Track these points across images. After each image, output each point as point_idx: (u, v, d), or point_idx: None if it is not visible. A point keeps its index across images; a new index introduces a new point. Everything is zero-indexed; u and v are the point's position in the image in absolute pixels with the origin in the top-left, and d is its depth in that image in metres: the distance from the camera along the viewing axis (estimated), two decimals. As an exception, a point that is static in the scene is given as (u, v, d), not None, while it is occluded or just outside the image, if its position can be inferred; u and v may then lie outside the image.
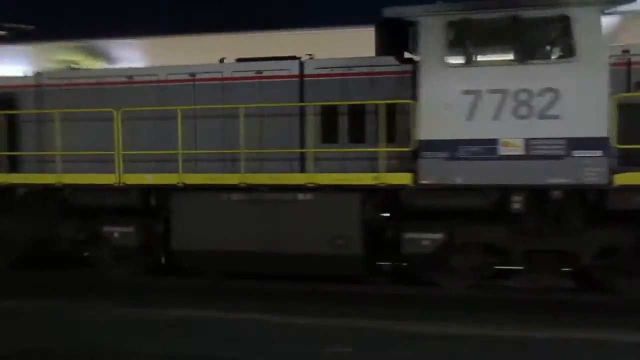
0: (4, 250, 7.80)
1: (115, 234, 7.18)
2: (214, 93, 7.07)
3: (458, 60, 6.26)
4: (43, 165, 7.51)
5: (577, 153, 5.81)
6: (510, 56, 6.35)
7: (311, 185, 6.41)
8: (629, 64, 6.29)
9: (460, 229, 6.50)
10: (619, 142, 5.87)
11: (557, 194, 6.01)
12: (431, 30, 6.19)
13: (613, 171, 5.77)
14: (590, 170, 5.79)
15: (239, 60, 7.37)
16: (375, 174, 6.24)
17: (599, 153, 5.75)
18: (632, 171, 5.74)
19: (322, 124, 6.80)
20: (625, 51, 6.36)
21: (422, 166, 6.13)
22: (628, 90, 6.18)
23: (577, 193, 6.11)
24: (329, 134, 6.81)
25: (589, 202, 6.11)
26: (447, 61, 6.14)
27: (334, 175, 6.39)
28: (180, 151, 6.77)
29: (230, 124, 6.87)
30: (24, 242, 7.74)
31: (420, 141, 6.13)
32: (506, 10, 6.08)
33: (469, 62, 6.17)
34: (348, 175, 6.42)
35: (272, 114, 6.81)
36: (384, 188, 6.28)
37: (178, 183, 6.78)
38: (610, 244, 6.24)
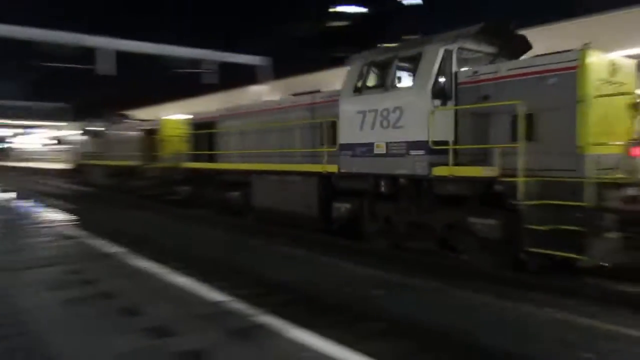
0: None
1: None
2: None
3: (356, 90, 9.37)
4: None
5: (412, 152, 8.22)
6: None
7: (293, 171, 10.70)
8: (478, 81, 7.89)
9: (364, 203, 9.56)
10: (461, 144, 7.87)
11: (402, 181, 8.50)
12: (350, 69, 9.56)
13: (433, 165, 7.84)
14: (419, 164, 8.10)
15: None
16: (322, 165, 10.02)
17: (422, 152, 8.01)
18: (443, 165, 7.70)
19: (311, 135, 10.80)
20: (475, 72, 7.98)
21: (340, 160, 9.56)
22: (477, 102, 7.85)
23: (417, 181, 8.38)
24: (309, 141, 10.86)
25: (425, 189, 8.21)
26: (351, 91, 9.37)
27: (305, 165, 10.51)
28: (248, 151, 12.12)
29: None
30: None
31: (340, 144, 9.54)
32: (388, 53, 8.87)
33: (359, 92, 9.18)
34: (311, 165, 10.38)
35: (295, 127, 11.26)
36: (326, 174, 9.94)
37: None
38: (451, 221, 8.06)
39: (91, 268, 5.67)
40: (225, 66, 29.52)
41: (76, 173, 25.51)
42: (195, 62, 28.24)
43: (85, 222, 10.72)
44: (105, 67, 24.74)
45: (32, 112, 58.85)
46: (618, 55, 7.86)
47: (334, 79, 14.77)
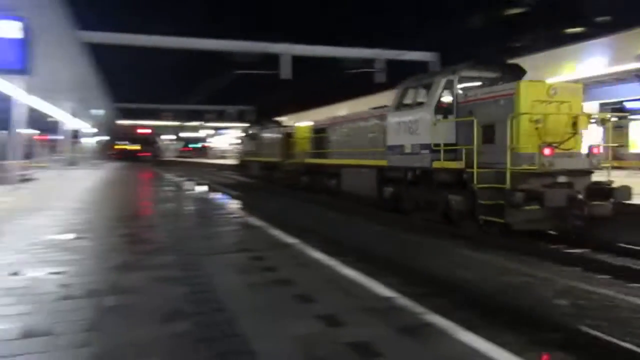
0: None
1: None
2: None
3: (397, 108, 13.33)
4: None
5: (422, 151, 11.83)
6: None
7: (363, 165, 14.82)
8: (467, 101, 11.16)
9: (401, 188, 13.34)
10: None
11: (418, 171, 12.12)
12: (396, 92, 13.53)
13: (433, 161, 11.32)
14: (426, 160, 11.69)
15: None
16: (378, 160, 13.94)
17: (427, 151, 11.61)
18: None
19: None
20: (466, 94, 11.46)
21: (388, 157, 13.41)
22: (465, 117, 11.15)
23: (425, 171, 11.91)
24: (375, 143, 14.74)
25: (430, 177, 11.76)
26: (394, 108, 13.35)
27: (369, 160, 14.55)
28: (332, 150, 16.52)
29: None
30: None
31: (387, 146, 13.40)
32: (416, 82, 12.55)
33: (398, 109, 13.05)
34: (373, 161, 14.34)
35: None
36: (380, 167, 13.85)
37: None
38: (444, 199, 11.44)
39: (271, 256, 6.05)
40: (395, 64, 29.21)
41: (240, 167, 31.68)
42: (366, 62, 28.64)
43: (256, 210, 12.13)
44: (286, 71, 27.22)
45: (224, 115, 70.26)
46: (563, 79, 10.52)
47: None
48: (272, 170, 24.85)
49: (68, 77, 15.72)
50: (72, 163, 38.65)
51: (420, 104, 12.30)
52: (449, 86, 11.68)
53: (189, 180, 24.66)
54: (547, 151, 9.37)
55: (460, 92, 11.70)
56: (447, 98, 11.83)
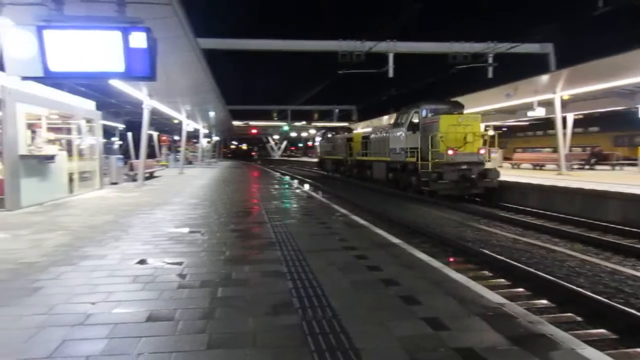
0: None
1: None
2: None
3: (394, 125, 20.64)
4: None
5: (402, 152, 19.61)
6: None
7: (380, 160, 22.03)
8: (425, 123, 18.41)
9: (396, 174, 20.39)
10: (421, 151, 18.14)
11: (401, 164, 19.58)
12: (395, 115, 21.61)
13: (406, 157, 18.65)
14: (404, 156, 19.18)
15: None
16: (386, 157, 20.95)
17: (404, 152, 19.54)
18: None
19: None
20: (424, 118, 18.64)
21: (390, 155, 20.75)
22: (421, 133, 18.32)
23: (405, 164, 18.95)
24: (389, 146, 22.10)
25: (407, 167, 18.71)
26: (393, 125, 20.84)
27: (382, 157, 21.87)
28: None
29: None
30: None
31: (390, 148, 20.66)
32: (403, 111, 20.38)
33: (396, 126, 20.41)
34: (384, 157, 21.11)
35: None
36: (387, 161, 21.11)
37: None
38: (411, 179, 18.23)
39: (375, 255, 5.92)
40: (506, 57, 26.24)
41: (319, 164, 39.37)
42: (475, 57, 26.35)
43: (349, 205, 14.56)
44: (390, 69, 25.68)
45: (327, 115, 71.38)
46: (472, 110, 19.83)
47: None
48: (339, 165, 32.07)
49: (185, 81, 16.91)
50: (189, 162, 41.52)
51: (402, 124, 19.67)
52: (416, 114, 18.75)
53: (291, 176, 29.38)
54: (450, 152, 16.63)
55: (423, 116, 18.55)
56: (415, 120, 18.68)
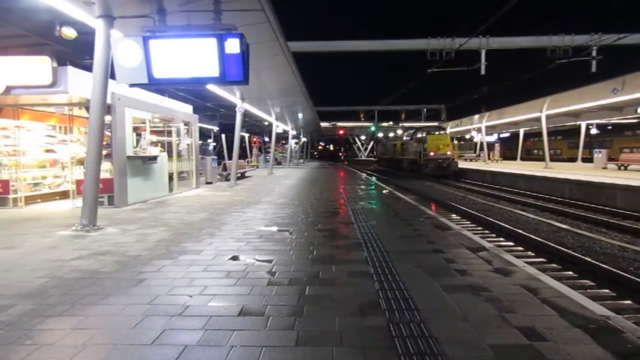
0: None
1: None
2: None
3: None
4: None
5: (415, 154, 28.51)
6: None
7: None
8: (421, 137, 29.38)
9: (414, 165, 34.49)
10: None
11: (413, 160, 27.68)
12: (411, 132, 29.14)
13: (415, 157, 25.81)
14: (414, 156, 28.21)
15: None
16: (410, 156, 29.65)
17: (414, 154, 28.04)
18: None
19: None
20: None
21: (411, 155, 30.18)
22: None
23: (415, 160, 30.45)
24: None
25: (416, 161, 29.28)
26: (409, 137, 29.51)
27: (407, 157, 30.25)
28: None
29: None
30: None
31: (411, 151, 31.12)
32: (414, 131, 29.94)
33: (410, 139, 29.86)
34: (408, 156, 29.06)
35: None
36: (409, 159, 30.28)
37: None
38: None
39: (463, 258, 5.73)
40: (612, 49, 23.89)
41: (377, 162, 55.25)
42: (578, 50, 24.37)
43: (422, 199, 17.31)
44: (482, 66, 24.49)
45: (416, 115, 70.16)
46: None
47: None
48: (390, 162, 46.07)
49: (275, 84, 17.41)
50: (278, 162, 42.72)
51: (411, 139, 36.20)
52: (418, 134, 34.99)
53: (377, 177, 30.47)
54: (432, 153, 31.78)
55: (420, 136, 34.34)
56: (418, 136, 34.65)
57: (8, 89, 9.52)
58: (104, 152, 9.19)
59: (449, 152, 31.74)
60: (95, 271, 5.19)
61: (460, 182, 27.82)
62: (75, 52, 11.31)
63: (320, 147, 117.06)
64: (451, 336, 3.33)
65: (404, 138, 43.24)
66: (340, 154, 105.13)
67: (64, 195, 12.64)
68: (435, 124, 45.71)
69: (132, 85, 7.66)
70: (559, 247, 8.92)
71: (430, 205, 16.26)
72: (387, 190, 16.64)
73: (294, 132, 45.64)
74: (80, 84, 9.72)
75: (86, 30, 8.52)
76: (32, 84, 9.51)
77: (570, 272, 7.61)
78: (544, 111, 27.25)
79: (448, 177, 30.17)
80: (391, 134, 64.72)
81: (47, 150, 12.61)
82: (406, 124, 67.38)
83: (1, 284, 4.70)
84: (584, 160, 32.25)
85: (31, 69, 9.43)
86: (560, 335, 3.34)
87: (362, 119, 72.38)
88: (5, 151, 11.53)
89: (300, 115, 30.85)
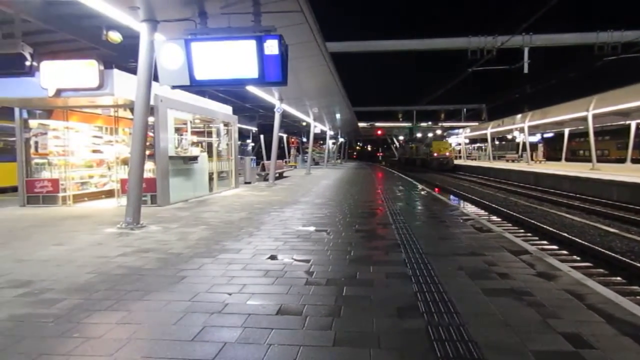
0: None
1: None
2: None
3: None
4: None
5: (425, 154, 36.50)
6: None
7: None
8: (429, 141, 35.81)
9: (425, 163, 47.90)
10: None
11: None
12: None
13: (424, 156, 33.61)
14: (424, 155, 38.54)
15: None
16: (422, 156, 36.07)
17: (424, 155, 40.02)
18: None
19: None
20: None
21: (424, 155, 39.55)
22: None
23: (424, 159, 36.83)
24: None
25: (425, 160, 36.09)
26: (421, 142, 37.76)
27: (420, 156, 42.63)
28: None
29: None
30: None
31: (423, 152, 37.34)
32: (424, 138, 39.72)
33: (420, 143, 44.63)
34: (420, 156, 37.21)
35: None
36: (421, 158, 39.08)
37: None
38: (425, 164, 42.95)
39: (505, 261, 5.54)
40: None
41: (398, 162, 66.26)
42: (629, 46, 23.11)
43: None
44: (524, 65, 23.83)
45: (455, 115, 68.88)
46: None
47: None
48: (407, 160, 58.17)
49: (314, 85, 17.47)
50: (315, 163, 42.89)
51: (422, 144, 51.92)
52: (426, 140, 53.56)
53: (413, 178, 27.31)
54: (435, 154, 45.52)
55: (427, 142, 50.42)
56: (427, 141, 50.76)
57: (58, 92, 9.92)
58: (147, 152, 9.44)
59: (447, 153, 46.04)
60: (138, 268, 5.35)
61: (501, 184, 27.00)
62: (121, 56, 11.69)
63: (358, 148, 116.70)
64: (492, 341, 3.22)
65: (417, 143, 58.24)
66: (378, 154, 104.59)
67: (110, 194, 13.09)
68: (440, 132, 61.67)
69: (174, 87, 7.84)
70: (607, 252, 8.56)
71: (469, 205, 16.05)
72: (424, 192, 16.67)
73: (332, 133, 45.72)
74: (125, 86, 10.03)
75: (131, 34, 8.79)
76: (80, 87, 9.89)
77: (619, 278, 7.30)
78: (590, 110, 26.21)
79: (447, 171, 42.73)
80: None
81: (94, 151, 13.10)
82: (445, 124, 66.43)
83: (52, 278, 4.90)
84: (634, 161, 30.87)
85: (80, 72, 9.80)
86: (608, 343, 3.17)
87: (400, 119, 71.77)
88: (56, 151, 12.02)
89: (338, 116, 30.82)
